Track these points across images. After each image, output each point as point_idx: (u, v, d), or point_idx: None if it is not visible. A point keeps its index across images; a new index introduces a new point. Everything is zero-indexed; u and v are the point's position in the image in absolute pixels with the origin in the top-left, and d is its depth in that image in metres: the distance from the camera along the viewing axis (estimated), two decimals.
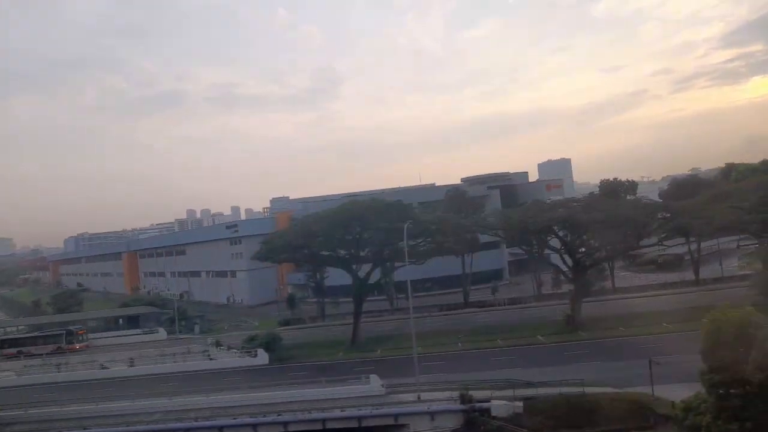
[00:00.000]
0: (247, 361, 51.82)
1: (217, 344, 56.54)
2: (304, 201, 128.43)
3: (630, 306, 58.15)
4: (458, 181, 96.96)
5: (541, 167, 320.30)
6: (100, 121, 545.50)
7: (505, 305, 70.63)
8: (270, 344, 51.63)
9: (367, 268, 55.66)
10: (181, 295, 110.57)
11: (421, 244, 51.50)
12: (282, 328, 69.42)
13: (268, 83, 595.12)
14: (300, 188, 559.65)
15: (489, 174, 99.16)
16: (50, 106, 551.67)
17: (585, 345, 45.74)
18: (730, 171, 77.18)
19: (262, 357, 51.44)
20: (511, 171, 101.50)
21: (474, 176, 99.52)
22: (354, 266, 54.57)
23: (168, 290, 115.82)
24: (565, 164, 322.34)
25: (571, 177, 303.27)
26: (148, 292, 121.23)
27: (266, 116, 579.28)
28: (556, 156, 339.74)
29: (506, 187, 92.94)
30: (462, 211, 71.72)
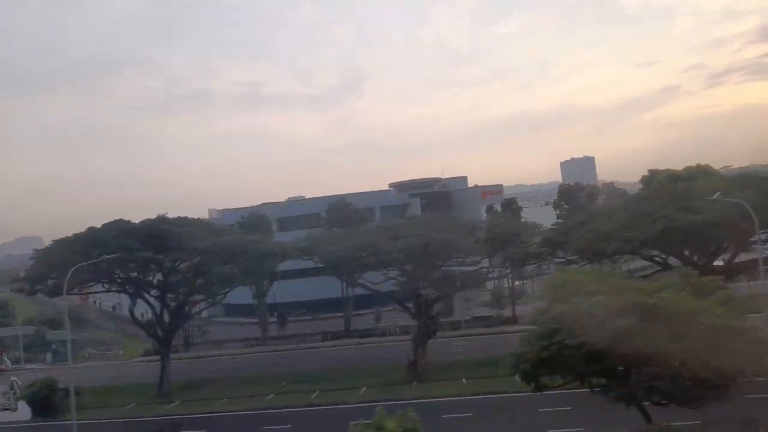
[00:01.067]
0: (5, 416, 44.38)
1: (11, 387, 49.47)
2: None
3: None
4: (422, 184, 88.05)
5: (564, 166, 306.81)
6: (129, 120, 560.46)
7: (396, 334, 61.71)
8: (36, 395, 43.97)
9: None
10: (114, 308, 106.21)
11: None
12: (139, 360, 63.06)
13: (293, 81, 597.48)
14: (321, 187, 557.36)
15: (421, 179, 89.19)
16: (79, 105, 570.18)
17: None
18: (651, 179, 64.76)
19: (24, 411, 43.94)
20: (456, 176, 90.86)
21: (405, 181, 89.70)
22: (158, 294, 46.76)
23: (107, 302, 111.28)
24: (588, 162, 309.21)
25: (595, 176, 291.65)
26: (96, 303, 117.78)
27: (291, 114, 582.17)
28: (581, 154, 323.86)
29: (436, 194, 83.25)
30: (346, 226, 63.47)
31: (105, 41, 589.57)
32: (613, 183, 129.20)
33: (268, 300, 65.25)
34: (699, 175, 55.64)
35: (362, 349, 57.05)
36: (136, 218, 44.06)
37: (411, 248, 36.98)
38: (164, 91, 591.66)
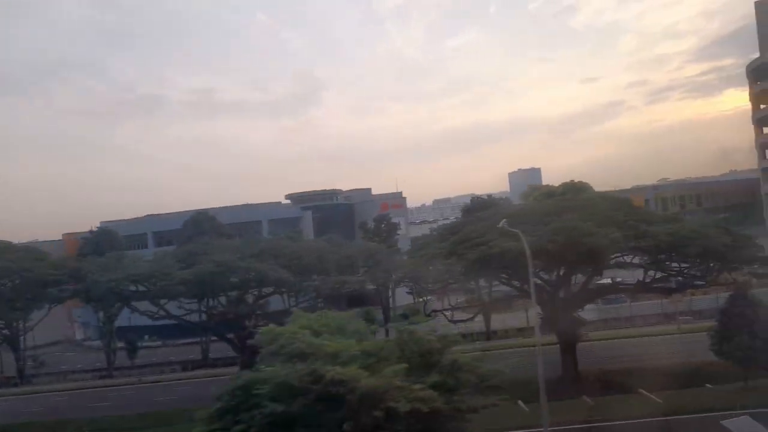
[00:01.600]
0: None
1: None
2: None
3: None
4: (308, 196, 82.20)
5: (512, 176, 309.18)
6: (78, 125, 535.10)
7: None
8: None
9: None
10: None
11: None
12: None
13: (249, 89, 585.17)
14: (273, 194, 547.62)
15: (320, 191, 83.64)
16: (26, 109, 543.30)
17: None
18: (529, 194, 61.43)
19: None
20: (366, 187, 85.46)
21: (303, 192, 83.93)
22: None
23: None
24: (534, 173, 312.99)
25: (543, 185, 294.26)
26: None
27: (247, 122, 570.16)
28: (529, 165, 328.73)
29: (331, 206, 77.94)
30: (206, 241, 57.02)
31: (52, 46, 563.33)
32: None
33: (120, 323, 57.93)
34: (573, 191, 52.21)
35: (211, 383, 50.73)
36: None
37: (200, 276, 30.93)
38: (113, 96, 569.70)
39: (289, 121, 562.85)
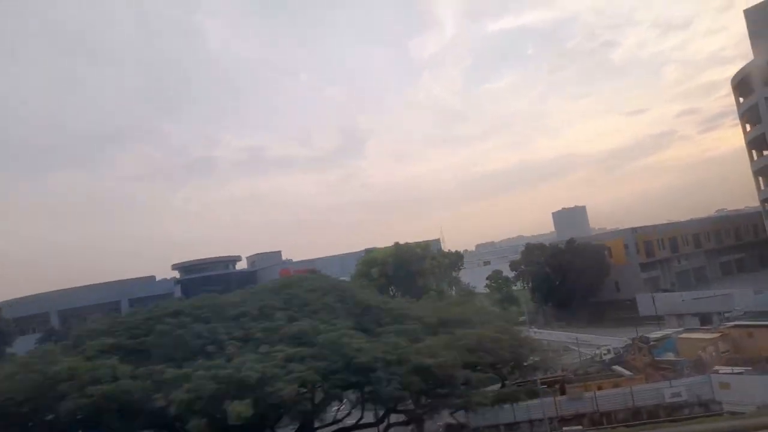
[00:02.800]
0: None
1: None
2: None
3: None
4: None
5: (556, 216, 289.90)
6: (135, 191, 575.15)
7: None
8: None
9: None
10: None
11: None
12: None
13: (294, 145, 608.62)
14: (321, 248, 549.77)
15: (212, 259, 76.24)
16: (87, 179, 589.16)
17: None
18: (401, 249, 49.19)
19: None
20: (231, 255, 76.97)
21: (191, 262, 76.74)
22: None
23: None
24: (579, 212, 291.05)
25: (587, 224, 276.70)
26: None
27: (293, 177, 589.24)
28: (576, 204, 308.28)
29: (210, 278, 69.90)
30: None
31: (105, 115, 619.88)
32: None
33: None
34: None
35: None
36: None
37: None
38: (166, 160, 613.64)
39: (334, 174, 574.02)
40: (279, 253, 77.30)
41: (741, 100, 78.09)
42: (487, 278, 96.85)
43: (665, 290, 75.80)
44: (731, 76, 79.63)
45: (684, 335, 44.71)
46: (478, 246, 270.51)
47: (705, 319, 56.75)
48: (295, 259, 73.18)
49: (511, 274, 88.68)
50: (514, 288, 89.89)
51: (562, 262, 77.70)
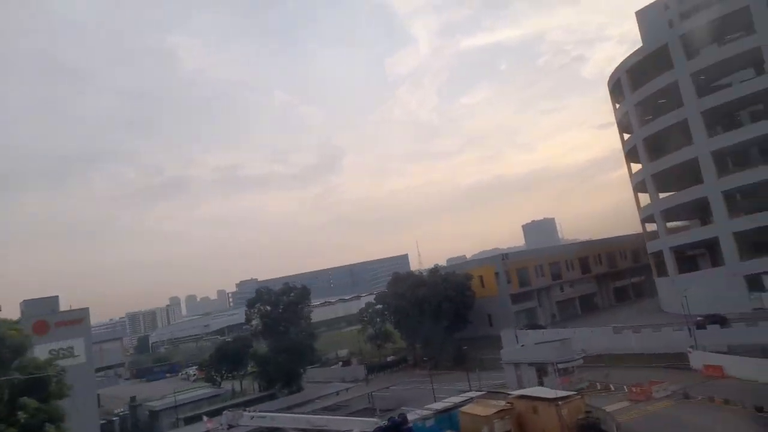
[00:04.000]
0: None
1: None
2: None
3: None
4: None
5: (526, 228, 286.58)
6: (110, 212, 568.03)
7: None
8: None
9: None
10: None
11: None
12: None
13: (271, 163, 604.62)
14: (297, 265, 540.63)
15: None
16: (61, 201, 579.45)
17: None
18: None
19: None
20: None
21: None
22: None
23: None
24: (548, 224, 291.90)
25: (557, 236, 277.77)
26: None
27: (271, 194, 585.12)
28: (547, 216, 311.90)
29: None
30: None
31: (82, 137, 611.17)
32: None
33: None
34: None
35: None
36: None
37: None
38: (143, 181, 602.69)
39: (309, 191, 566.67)
40: (56, 297, 61.70)
41: (617, 106, 70.02)
42: (360, 311, 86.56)
43: (535, 326, 66.15)
44: None
45: (467, 408, 34.42)
46: (449, 260, 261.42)
47: (542, 370, 47.02)
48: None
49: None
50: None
51: (420, 294, 67.74)
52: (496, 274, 72.55)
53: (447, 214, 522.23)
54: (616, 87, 67.77)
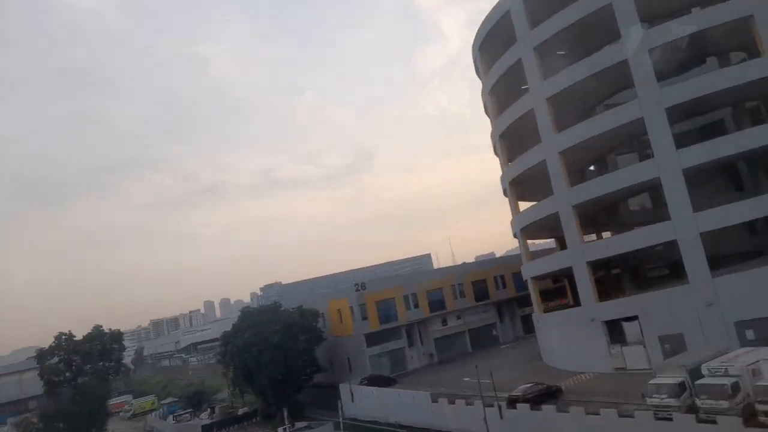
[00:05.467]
0: None
1: None
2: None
3: None
4: None
5: None
6: (148, 218, 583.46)
7: None
8: None
9: None
10: None
11: None
12: None
13: (304, 164, 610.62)
14: (329, 266, 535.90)
15: None
16: (101, 209, 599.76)
17: None
18: None
19: None
20: None
21: None
22: None
23: None
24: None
25: None
26: None
27: (305, 196, 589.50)
28: None
29: None
30: None
31: (119, 146, 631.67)
32: None
33: None
34: None
35: None
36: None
37: None
38: (180, 187, 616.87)
39: (343, 191, 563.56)
40: None
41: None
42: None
43: (379, 379, 52.10)
44: None
45: None
46: (477, 257, 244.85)
47: None
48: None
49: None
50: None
51: (251, 338, 54.54)
52: (351, 309, 58.90)
53: (481, 210, 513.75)
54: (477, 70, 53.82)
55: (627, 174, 36.00)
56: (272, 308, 58.90)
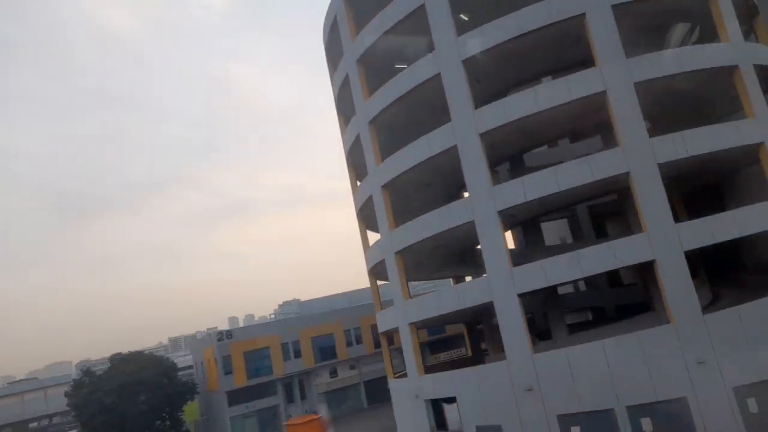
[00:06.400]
0: None
1: None
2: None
3: None
4: None
5: None
6: (179, 234, 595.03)
7: None
8: None
9: None
10: None
11: None
12: None
13: (330, 180, 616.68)
14: (349, 283, 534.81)
15: None
16: (134, 224, 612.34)
17: None
18: None
19: None
20: None
21: None
22: None
23: None
24: None
25: None
26: None
27: (330, 211, 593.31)
28: None
29: None
30: None
31: (150, 164, 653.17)
32: None
33: None
34: None
35: None
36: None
37: None
38: (208, 203, 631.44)
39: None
40: None
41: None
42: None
43: None
44: None
45: None
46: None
47: None
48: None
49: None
50: None
51: (85, 398, 47.45)
52: (215, 361, 51.53)
53: None
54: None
55: (439, 217, 28.47)
56: (126, 359, 51.57)
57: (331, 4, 36.99)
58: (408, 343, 31.12)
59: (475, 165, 27.06)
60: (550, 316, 31.46)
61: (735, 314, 22.91)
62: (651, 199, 24.04)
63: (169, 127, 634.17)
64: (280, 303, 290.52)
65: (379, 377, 57.84)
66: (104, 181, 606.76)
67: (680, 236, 23.61)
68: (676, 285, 23.19)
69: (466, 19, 31.98)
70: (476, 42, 27.23)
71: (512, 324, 25.50)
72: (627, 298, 37.17)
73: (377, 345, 58.19)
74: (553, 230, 46.35)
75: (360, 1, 34.05)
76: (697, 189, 34.13)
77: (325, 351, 55.27)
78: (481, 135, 26.97)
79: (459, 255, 35.56)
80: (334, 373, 55.58)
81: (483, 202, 26.69)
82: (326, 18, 38.10)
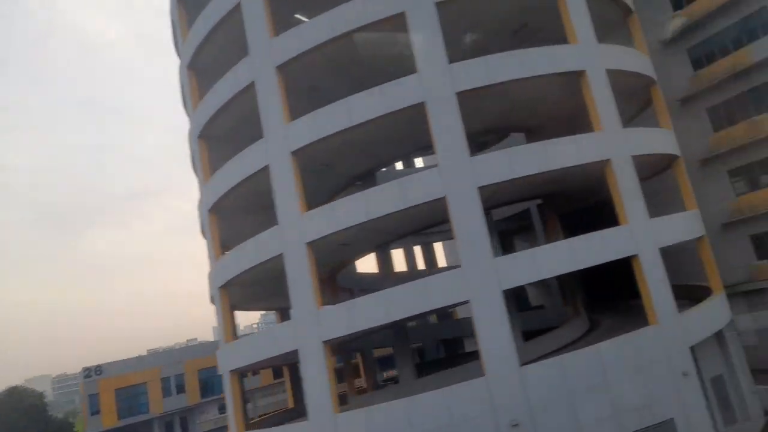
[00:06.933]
0: None
1: None
2: None
3: None
4: None
5: None
6: (164, 244, 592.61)
7: None
8: None
9: None
10: None
11: None
12: None
13: None
14: None
15: None
16: (116, 236, 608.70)
17: None
18: None
19: None
20: None
21: None
22: None
23: None
24: None
25: None
26: None
27: None
28: None
29: None
30: None
31: (138, 173, 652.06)
32: None
33: None
34: None
35: None
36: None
37: None
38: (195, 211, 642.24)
39: None
40: None
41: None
42: None
43: None
44: None
45: None
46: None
47: None
48: None
49: None
50: None
51: None
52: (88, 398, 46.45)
53: None
54: None
55: (254, 247, 24.41)
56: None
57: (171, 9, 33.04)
58: (228, 393, 26.81)
59: (286, 186, 23.14)
60: (396, 352, 27.67)
61: (557, 365, 19.28)
62: (468, 228, 20.36)
63: (154, 137, 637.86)
64: (263, 313, 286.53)
65: (277, 410, 53.31)
66: (91, 191, 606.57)
67: (498, 272, 19.97)
68: (490, 330, 19.48)
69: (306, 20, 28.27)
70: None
71: (315, 377, 21.49)
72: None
73: (277, 375, 53.86)
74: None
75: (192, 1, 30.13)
76: (579, 211, 30.91)
77: (214, 384, 50.57)
78: (293, 153, 23.09)
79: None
80: (223, 408, 50.84)
81: (293, 231, 22.76)
82: (171, 24, 34.12)
